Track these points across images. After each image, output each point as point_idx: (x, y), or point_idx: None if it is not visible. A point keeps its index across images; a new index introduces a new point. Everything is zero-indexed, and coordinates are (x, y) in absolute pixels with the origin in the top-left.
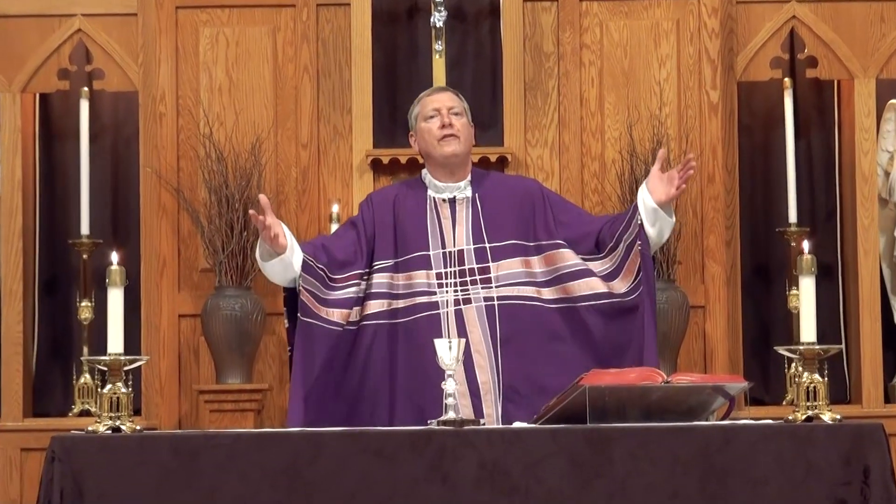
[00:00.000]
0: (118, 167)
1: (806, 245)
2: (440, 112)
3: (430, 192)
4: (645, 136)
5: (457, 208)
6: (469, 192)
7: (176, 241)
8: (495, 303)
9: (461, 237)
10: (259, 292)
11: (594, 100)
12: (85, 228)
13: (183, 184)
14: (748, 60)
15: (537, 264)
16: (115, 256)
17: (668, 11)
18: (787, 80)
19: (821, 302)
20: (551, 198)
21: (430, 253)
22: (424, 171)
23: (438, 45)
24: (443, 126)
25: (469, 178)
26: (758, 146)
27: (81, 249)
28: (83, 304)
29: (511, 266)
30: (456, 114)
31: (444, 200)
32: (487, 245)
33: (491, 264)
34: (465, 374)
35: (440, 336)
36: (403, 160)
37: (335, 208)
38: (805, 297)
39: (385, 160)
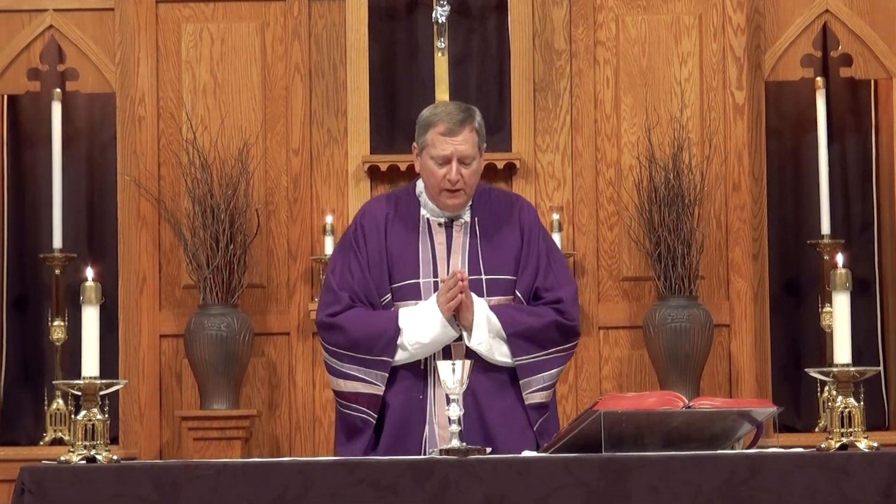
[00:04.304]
0: (93, 175)
1: (840, 258)
2: (451, 164)
3: (424, 212)
4: (665, 140)
5: (453, 234)
6: (468, 217)
7: (157, 255)
8: None
9: (455, 267)
10: (247, 311)
11: (609, 101)
12: (57, 242)
13: (164, 193)
14: (777, 58)
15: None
16: (90, 272)
17: (689, 5)
18: (819, 79)
19: (856, 320)
20: (543, 244)
21: (421, 281)
22: (421, 188)
23: (441, 43)
24: (449, 182)
25: (469, 201)
26: (787, 151)
27: (53, 264)
28: (55, 323)
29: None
30: (468, 164)
31: (439, 224)
32: (484, 277)
33: (485, 299)
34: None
35: (424, 378)
36: (403, 167)
37: (329, 219)
38: (839, 314)
39: (383, 167)
